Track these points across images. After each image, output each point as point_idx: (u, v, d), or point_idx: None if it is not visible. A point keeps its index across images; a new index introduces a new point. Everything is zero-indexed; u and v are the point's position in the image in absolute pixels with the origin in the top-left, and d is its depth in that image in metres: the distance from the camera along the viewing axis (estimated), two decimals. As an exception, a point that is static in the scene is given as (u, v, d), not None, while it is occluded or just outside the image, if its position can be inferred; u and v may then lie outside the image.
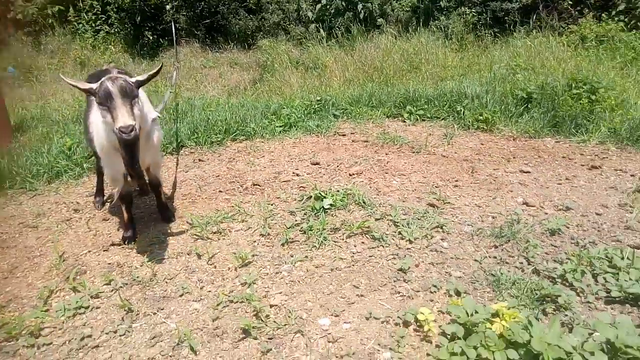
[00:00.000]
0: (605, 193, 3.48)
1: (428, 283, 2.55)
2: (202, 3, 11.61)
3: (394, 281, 2.59)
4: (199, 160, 4.77)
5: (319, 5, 10.81)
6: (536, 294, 2.35)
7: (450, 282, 2.53)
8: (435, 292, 2.47)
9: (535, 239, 2.88)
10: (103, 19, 11.08)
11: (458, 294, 2.42)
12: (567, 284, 2.43)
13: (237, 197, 3.78)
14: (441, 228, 3.10)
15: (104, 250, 3.05)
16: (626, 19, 8.39)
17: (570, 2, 9.28)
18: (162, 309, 2.46)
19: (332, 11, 10.69)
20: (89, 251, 3.05)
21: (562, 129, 4.82)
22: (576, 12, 9.24)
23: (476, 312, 2.10)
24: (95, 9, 11.14)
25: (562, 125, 4.86)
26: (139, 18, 11.15)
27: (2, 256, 3.07)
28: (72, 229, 3.38)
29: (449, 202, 3.46)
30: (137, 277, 2.72)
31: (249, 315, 2.37)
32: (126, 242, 3.14)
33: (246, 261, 2.85)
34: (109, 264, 2.90)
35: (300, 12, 11.04)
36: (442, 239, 2.99)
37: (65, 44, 10.21)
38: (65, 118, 5.87)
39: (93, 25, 10.99)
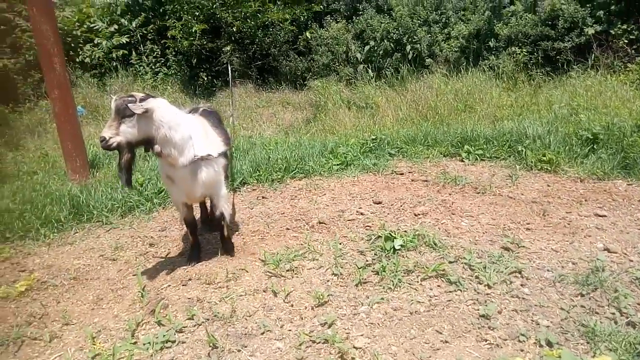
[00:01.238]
0: (692, 240, 3.31)
1: (515, 331, 2.47)
2: (255, 46, 12.14)
3: (479, 328, 2.52)
4: (263, 197, 4.89)
5: (367, 47, 11.09)
6: (636, 348, 2.23)
7: (539, 331, 2.44)
8: (524, 341, 2.39)
9: (624, 287, 2.75)
10: (162, 61, 11.76)
11: (550, 344, 2.33)
12: (668, 337, 2.30)
13: (305, 234, 3.83)
14: (519, 273, 3.02)
15: (182, 285, 3.13)
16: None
17: (626, 41, 9.14)
18: (245, 347, 2.48)
19: (381, 52, 10.94)
20: (169, 285, 3.14)
21: (634, 171, 4.66)
22: (632, 51, 9.08)
23: (576, 365, 2.01)
24: (155, 53, 11.85)
25: (633, 167, 4.70)
26: (195, 60, 11.75)
27: (87, 288, 3.21)
28: (150, 263, 3.50)
29: (523, 246, 3.38)
30: (218, 312, 2.77)
31: (334, 356, 2.36)
32: (190, 264, 3.38)
33: (322, 301, 2.85)
34: (189, 298, 2.97)
35: (349, 54, 11.34)
36: (522, 285, 2.90)
37: (127, 85, 10.84)
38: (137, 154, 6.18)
39: (153, 67, 11.66)
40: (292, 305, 2.85)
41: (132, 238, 4.00)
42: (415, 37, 10.54)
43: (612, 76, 7.99)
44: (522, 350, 2.33)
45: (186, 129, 3.01)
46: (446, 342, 2.43)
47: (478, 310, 2.66)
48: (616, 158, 4.84)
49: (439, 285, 2.97)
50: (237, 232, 4.00)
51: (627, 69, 8.39)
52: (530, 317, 2.59)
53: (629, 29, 9.14)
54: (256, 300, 2.92)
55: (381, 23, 10.94)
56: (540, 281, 2.94)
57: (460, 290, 2.88)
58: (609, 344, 2.29)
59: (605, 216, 3.82)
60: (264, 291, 3.01)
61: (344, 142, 6.28)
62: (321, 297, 2.86)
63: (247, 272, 3.26)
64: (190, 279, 3.20)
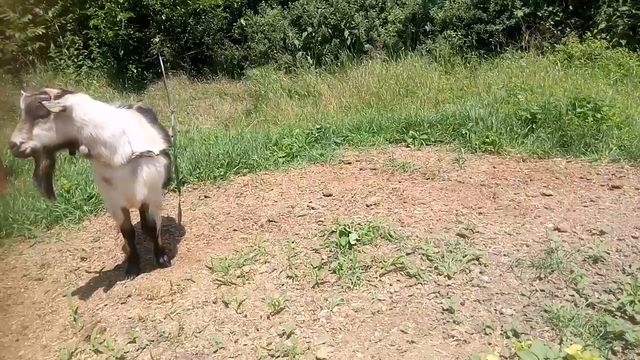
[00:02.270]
0: (634, 214, 3.41)
1: (480, 323, 2.39)
2: (186, 35, 11.54)
3: (444, 323, 2.42)
4: (205, 196, 4.58)
5: (305, 34, 10.84)
6: (600, 331, 2.21)
7: (504, 321, 2.38)
8: (490, 333, 2.32)
9: (579, 268, 2.76)
10: (85, 54, 10.89)
11: (516, 335, 2.27)
12: (627, 317, 2.30)
13: (254, 235, 3.59)
14: (477, 260, 2.96)
15: (121, 303, 2.82)
16: (607, 37, 8.61)
17: (552, 23, 9.52)
18: (197, 370, 2.24)
19: (319, 39, 10.74)
20: (105, 304, 2.82)
21: (572, 148, 4.79)
22: (558, 32, 9.47)
23: (547, 357, 1.95)
24: (77, 44, 10.96)
25: (570, 144, 4.84)
26: (122, 52, 10.99)
27: (10, 315, 2.81)
28: (83, 280, 3.14)
29: (478, 232, 3.34)
30: (163, 332, 2.50)
31: (296, 371, 2.18)
32: (129, 277, 3.08)
33: (278, 308, 2.65)
34: (130, 318, 2.67)
35: (287, 41, 11.04)
36: (481, 273, 2.85)
37: (47, 81, 9.94)
38: (59, 158, 5.61)
39: (75, 60, 10.78)
40: (245, 316, 2.63)
41: (61, 252, 3.59)
42: (353, 22, 10.42)
43: (542, 56, 8.26)
44: (489, 344, 2.26)
45: (117, 125, 2.69)
46: (412, 342, 2.31)
47: (441, 303, 2.57)
48: (555, 136, 4.97)
49: (398, 280, 2.85)
50: (179, 238, 3.69)
51: (555, 49, 8.73)
52: (493, 306, 2.53)
53: (554, 11, 9.52)
54: (206, 314, 2.67)
55: (318, 8, 10.72)
56: (498, 267, 2.90)
57: (421, 284, 2.78)
58: (573, 328, 2.27)
59: (551, 195, 3.87)
60: (214, 302, 2.77)
61: (288, 133, 6.05)
62: (277, 304, 2.66)
63: (194, 282, 2.99)
64: (129, 295, 2.89)
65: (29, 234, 3.85)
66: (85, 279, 3.16)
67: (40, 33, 10.44)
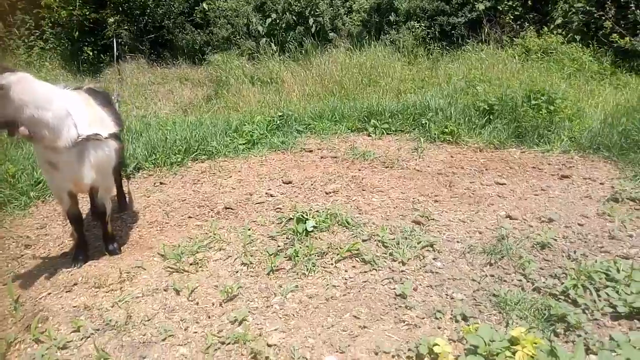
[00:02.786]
0: (581, 203, 3.54)
1: (431, 308, 2.42)
2: (146, 17, 11.15)
3: (396, 308, 2.44)
4: (160, 183, 4.46)
5: (269, 20, 10.69)
6: (544, 314, 2.28)
7: (454, 305, 2.42)
8: (440, 317, 2.35)
9: (527, 254, 2.84)
10: (37, 34, 10.35)
11: (465, 318, 2.31)
12: (570, 300, 2.39)
13: (210, 222, 3.52)
14: (431, 247, 3.00)
15: (66, 292, 2.70)
16: (563, 32, 8.89)
17: (512, 17, 9.75)
18: (144, 358, 2.17)
19: (283, 25, 10.60)
20: (49, 293, 2.70)
21: (526, 139, 4.93)
22: (517, 26, 9.71)
23: (492, 340, 1.99)
24: (28, 24, 10.40)
25: (525, 135, 4.97)
26: (76, 33, 10.51)
27: (-58, 306, 2.64)
28: (26, 268, 2.99)
29: (433, 219, 3.39)
30: (110, 320, 2.41)
31: (246, 358, 2.14)
32: (76, 265, 2.96)
33: (231, 295, 2.61)
34: (75, 306, 2.56)
35: (250, 27, 10.85)
36: (434, 259, 2.89)
37: (-5, 61, 9.42)
38: (4, 142, 5.31)
39: (26, 41, 10.24)
40: (197, 304, 2.57)
41: (4, 240, 3.41)
42: (317, 9, 10.34)
43: (501, 50, 8.45)
44: (439, 328, 2.29)
45: (60, 106, 2.56)
46: (364, 327, 2.31)
47: (394, 289, 2.59)
48: (510, 127, 5.09)
49: (353, 266, 2.85)
50: (132, 225, 3.57)
51: (514, 43, 8.94)
52: (444, 291, 2.57)
53: (514, 6, 9.74)
54: (155, 302, 2.59)
55: (282, -6, 10.58)
56: (451, 253, 2.95)
57: (376, 270, 2.80)
58: (519, 312, 2.33)
59: (504, 184, 3.97)
60: (165, 290, 2.69)
61: (250, 120, 5.94)
62: (230, 290, 2.61)
63: (145, 269, 2.90)
64: (75, 284, 2.77)
65: (-32, 221, 3.64)
66: (29, 266, 3.02)
67: (-13, 11, 9.88)
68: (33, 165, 4.39)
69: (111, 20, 9.98)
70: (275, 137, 5.51)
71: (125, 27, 10.64)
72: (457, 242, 3.07)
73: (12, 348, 2.28)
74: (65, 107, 2.61)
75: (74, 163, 2.68)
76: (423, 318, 2.36)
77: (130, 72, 9.61)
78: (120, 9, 10.60)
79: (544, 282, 2.57)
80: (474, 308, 2.42)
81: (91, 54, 10.49)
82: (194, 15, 11.47)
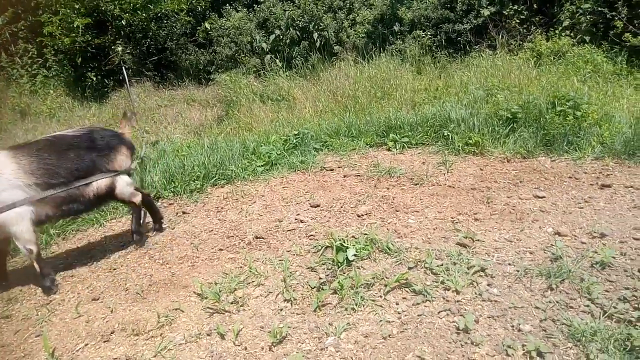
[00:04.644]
0: (631, 214, 3.37)
1: (499, 343, 2.25)
2: (148, 40, 11.08)
3: (461, 345, 2.27)
4: (183, 212, 4.31)
5: (272, 36, 10.61)
6: (626, 345, 2.11)
7: (524, 339, 2.25)
8: (512, 354, 2.17)
9: (589, 275, 2.67)
10: (40, 62, 10.28)
11: (541, 355, 2.14)
12: (649, 327, 2.22)
13: (243, 254, 3.36)
14: (483, 271, 2.83)
15: (104, 341, 2.53)
16: (571, 34, 8.78)
17: (518, 21, 9.66)
18: (198, 418, 2.00)
19: (287, 41, 10.53)
20: (86, 344, 2.53)
21: (554, 147, 4.77)
22: (524, 30, 9.62)
23: (582, 379, 1.82)
24: (31, 52, 10.35)
25: (553, 143, 4.82)
26: (79, 59, 10.43)
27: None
28: (57, 316, 2.82)
29: (478, 240, 3.22)
30: (155, 374, 2.24)
31: (310, 412, 1.97)
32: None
33: (280, 337, 2.44)
34: (115, 358, 2.39)
35: (254, 44, 10.78)
36: (489, 285, 2.72)
37: (0, 91, 9.33)
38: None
39: (29, 69, 10.18)
40: (245, 349, 2.40)
41: (30, 285, 3.24)
42: (321, 24, 10.27)
43: (510, 55, 8.33)
44: (514, 366, 2.12)
45: None
46: (431, 369, 2.14)
47: (454, 322, 2.42)
48: (537, 136, 4.94)
49: (404, 298, 2.69)
50: (161, 261, 3.41)
51: (523, 47, 8.83)
52: (509, 322, 2.40)
53: (519, 10, 9.65)
54: (200, 348, 2.42)
55: (285, 10, 10.52)
56: (505, 278, 2.78)
57: (429, 301, 2.63)
58: (597, 344, 2.15)
59: (544, 197, 3.81)
60: (208, 335, 2.52)
61: (265, 140, 5.81)
62: (278, 332, 2.44)
63: (183, 312, 2.74)
64: (112, 332, 2.61)
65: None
66: (60, 314, 2.85)
67: (-11, 41, 9.84)
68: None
69: (120, 48, 9.89)
70: (294, 157, 5.37)
71: (129, 51, 10.56)
72: (509, 264, 2.90)
73: (52, 411, 2.11)
74: None
75: None
76: (494, 355, 2.19)
77: (136, 95, 9.51)
78: (122, 33, 10.54)
79: (614, 307, 2.39)
80: (545, 341, 2.24)
81: (95, 79, 10.41)
82: (197, 35, 11.41)
